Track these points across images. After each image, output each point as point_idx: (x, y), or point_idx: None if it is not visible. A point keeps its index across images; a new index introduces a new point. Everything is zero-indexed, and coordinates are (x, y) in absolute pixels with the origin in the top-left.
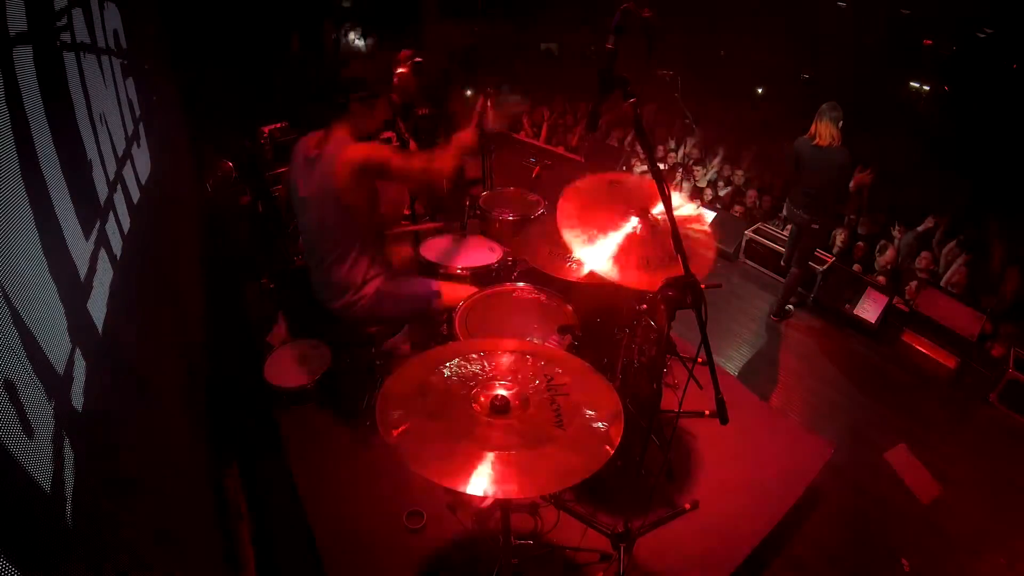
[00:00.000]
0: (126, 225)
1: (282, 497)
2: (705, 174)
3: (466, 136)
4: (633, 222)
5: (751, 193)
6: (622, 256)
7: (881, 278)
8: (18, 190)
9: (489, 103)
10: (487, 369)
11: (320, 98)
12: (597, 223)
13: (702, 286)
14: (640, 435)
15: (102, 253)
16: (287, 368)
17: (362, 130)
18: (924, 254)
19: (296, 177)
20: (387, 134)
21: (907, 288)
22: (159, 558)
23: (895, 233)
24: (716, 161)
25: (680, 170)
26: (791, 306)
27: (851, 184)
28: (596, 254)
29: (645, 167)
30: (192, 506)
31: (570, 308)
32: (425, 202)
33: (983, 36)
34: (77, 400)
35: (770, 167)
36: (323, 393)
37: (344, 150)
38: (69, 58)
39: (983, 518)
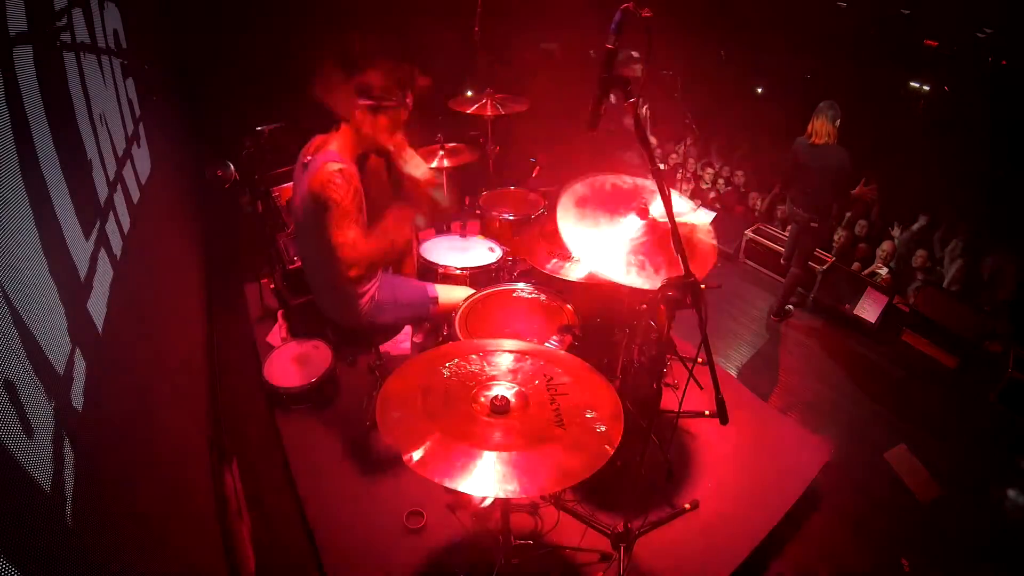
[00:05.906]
0: (126, 225)
1: (282, 497)
2: (714, 176)
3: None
4: (634, 222)
5: (751, 193)
6: (622, 255)
7: (883, 269)
8: (18, 190)
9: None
10: (487, 369)
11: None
12: (598, 220)
13: (702, 286)
14: (640, 435)
15: (102, 253)
16: (287, 368)
17: (367, 142)
18: (920, 252)
19: (295, 181)
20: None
21: (906, 279)
22: (159, 558)
23: (895, 233)
24: (718, 164)
25: (680, 171)
26: (791, 306)
27: (854, 191)
28: (598, 251)
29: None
30: (192, 506)
31: (570, 308)
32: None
33: (983, 36)
34: (77, 400)
35: (770, 167)
36: (323, 393)
37: (323, 165)
38: (69, 58)
39: (983, 518)
